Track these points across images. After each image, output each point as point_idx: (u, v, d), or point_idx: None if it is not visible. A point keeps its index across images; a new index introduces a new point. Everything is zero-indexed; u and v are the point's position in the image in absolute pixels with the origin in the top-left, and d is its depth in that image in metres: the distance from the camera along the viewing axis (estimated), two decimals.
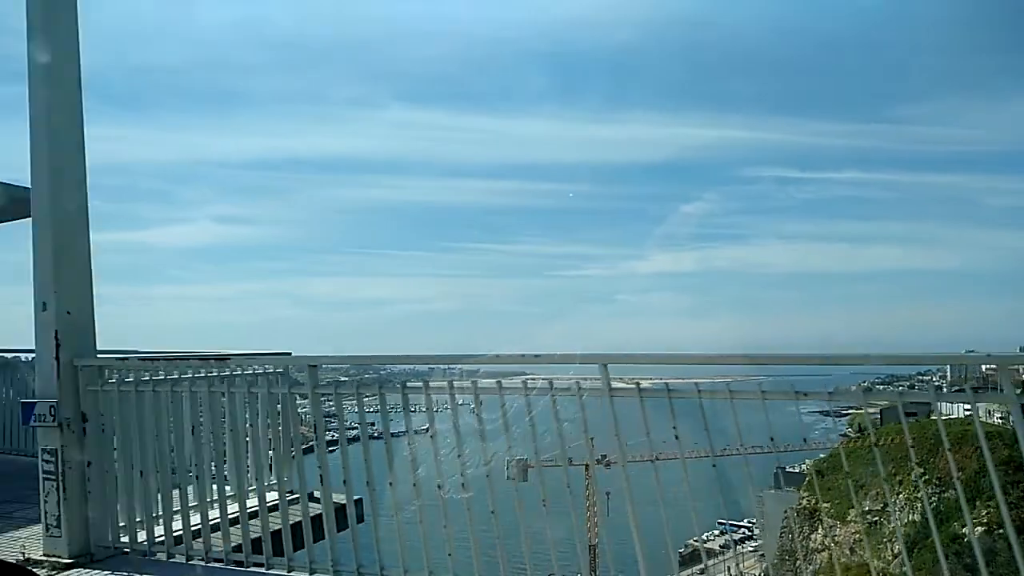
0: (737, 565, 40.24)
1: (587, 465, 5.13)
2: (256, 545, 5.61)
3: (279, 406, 6.60)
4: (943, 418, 4.33)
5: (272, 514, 5.67)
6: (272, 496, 6.11)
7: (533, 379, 4.89)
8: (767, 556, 42.48)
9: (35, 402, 5.79)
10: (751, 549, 44.13)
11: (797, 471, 38.93)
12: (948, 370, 37.70)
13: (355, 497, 5.37)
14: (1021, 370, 4.49)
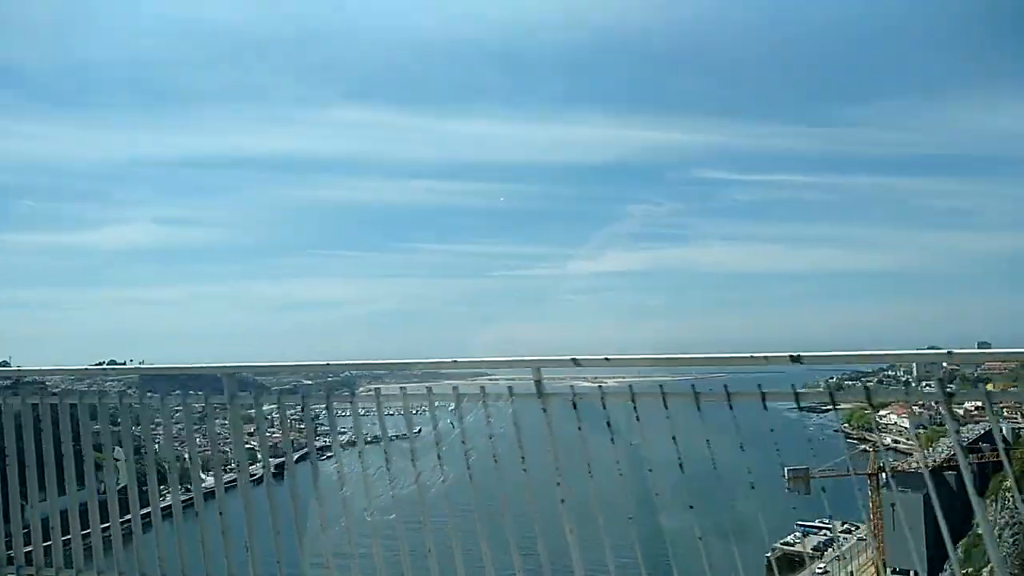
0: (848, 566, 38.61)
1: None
2: None
3: None
4: None
5: None
6: None
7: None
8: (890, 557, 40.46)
9: None
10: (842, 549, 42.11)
11: (913, 470, 36.76)
12: (914, 368, 36.48)
13: None
14: None
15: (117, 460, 5.41)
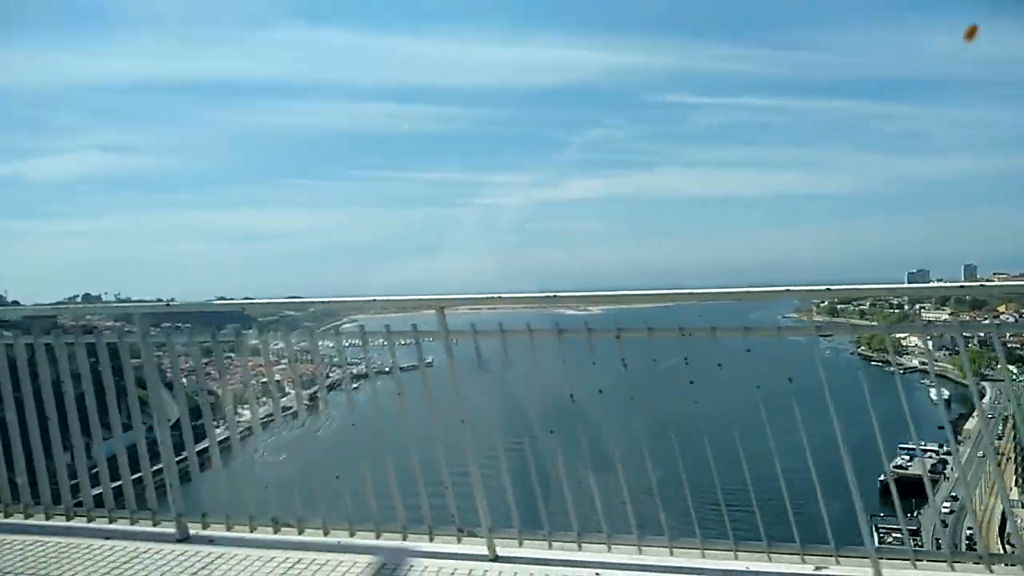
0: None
1: None
2: None
3: None
4: None
5: None
6: None
7: None
8: None
9: None
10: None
11: None
12: None
13: None
14: None
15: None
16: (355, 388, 4.69)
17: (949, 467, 39.28)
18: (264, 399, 5.09)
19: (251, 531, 4.87)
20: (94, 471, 5.30)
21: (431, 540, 4.59)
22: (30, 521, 5.27)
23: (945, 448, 39.26)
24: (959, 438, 34.50)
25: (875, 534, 3.93)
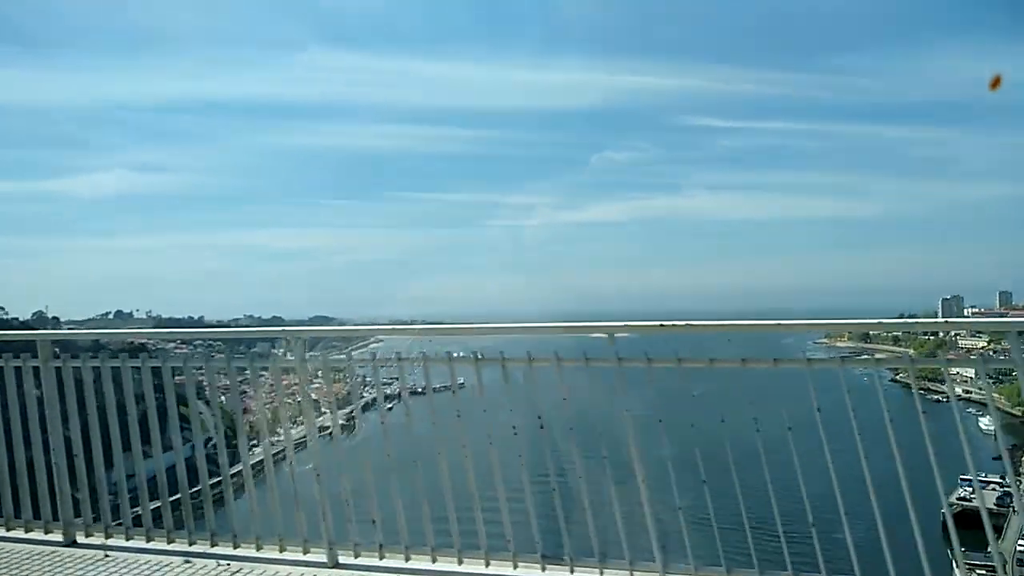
0: None
1: None
2: None
3: None
4: None
5: None
6: None
7: None
8: None
9: None
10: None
11: None
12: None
13: None
14: None
15: (201, 413, 5.41)
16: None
17: (1016, 499, 37.53)
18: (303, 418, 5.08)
19: (355, 557, 4.83)
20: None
21: (515, 568, 4.54)
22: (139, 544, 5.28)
23: (1008, 480, 37.50)
24: (1020, 469, 33.13)
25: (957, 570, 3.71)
